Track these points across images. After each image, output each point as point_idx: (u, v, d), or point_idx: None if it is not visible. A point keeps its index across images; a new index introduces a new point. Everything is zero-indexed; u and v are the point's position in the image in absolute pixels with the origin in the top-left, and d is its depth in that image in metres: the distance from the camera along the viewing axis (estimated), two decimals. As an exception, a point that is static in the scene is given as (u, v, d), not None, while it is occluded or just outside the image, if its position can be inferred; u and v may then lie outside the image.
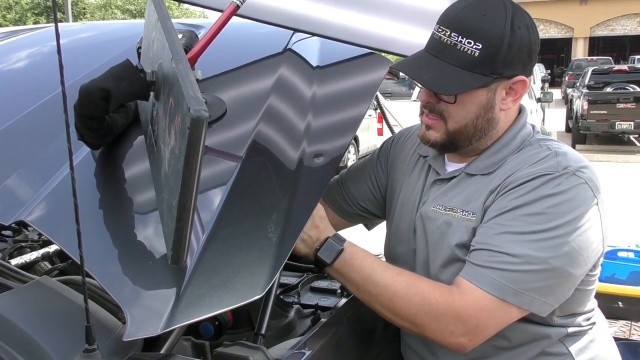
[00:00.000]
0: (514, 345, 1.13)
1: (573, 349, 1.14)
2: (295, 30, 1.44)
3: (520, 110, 1.20)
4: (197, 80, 1.10)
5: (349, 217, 1.41)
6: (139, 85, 1.02)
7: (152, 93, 1.03)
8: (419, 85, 1.15)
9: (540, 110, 12.13)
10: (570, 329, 1.14)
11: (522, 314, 1.04)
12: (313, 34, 1.43)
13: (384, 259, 1.27)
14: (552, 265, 1.01)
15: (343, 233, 1.18)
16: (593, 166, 1.11)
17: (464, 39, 1.05)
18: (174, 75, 0.85)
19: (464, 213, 1.12)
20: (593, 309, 1.19)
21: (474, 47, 1.04)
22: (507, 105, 1.13)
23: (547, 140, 1.15)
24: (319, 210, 1.14)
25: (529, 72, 1.11)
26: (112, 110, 1.04)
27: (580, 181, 1.05)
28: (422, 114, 1.17)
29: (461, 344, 1.04)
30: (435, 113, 1.13)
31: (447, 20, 1.08)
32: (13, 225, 1.74)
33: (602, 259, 1.13)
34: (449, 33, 1.06)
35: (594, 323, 1.18)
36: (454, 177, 1.18)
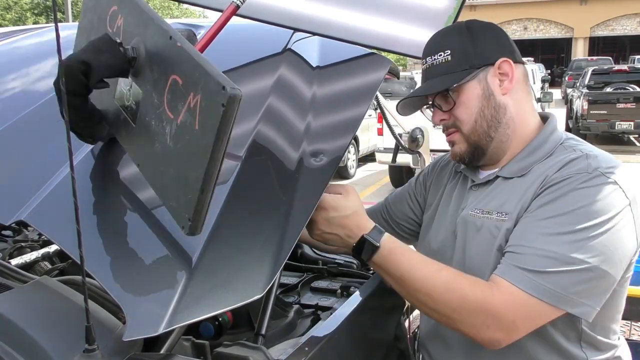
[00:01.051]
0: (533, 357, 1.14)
1: None
2: (295, 30, 1.44)
3: (549, 116, 1.25)
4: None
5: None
6: (120, 60, 0.99)
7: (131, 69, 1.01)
8: (425, 115, 1.31)
9: (540, 110, 12.12)
10: (599, 354, 1.15)
11: (558, 313, 1.05)
12: (313, 34, 1.43)
13: None
14: (589, 265, 1.02)
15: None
16: (624, 167, 1.12)
17: (435, 54, 1.20)
18: (177, 53, 0.86)
19: (498, 214, 1.15)
20: (618, 322, 1.20)
21: (445, 56, 1.19)
22: (506, 88, 1.18)
23: (580, 144, 1.18)
24: (355, 206, 1.14)
25: (508, 53, 1.19)
26: (92, 85, 0.99)
27: (610, 181, 1.07)
28: (446, 137, 1.25)
29: (497, 338, 1.05)
30: (451, 127, 1.22)
31: (423, 54, 1.24)
32: (13, 225, 1.74)
33: (635, 258, 1.14)
34: (424, 61, 1.23)
35: (618, 339, 1.20)
36: (490, 181, 1.22)
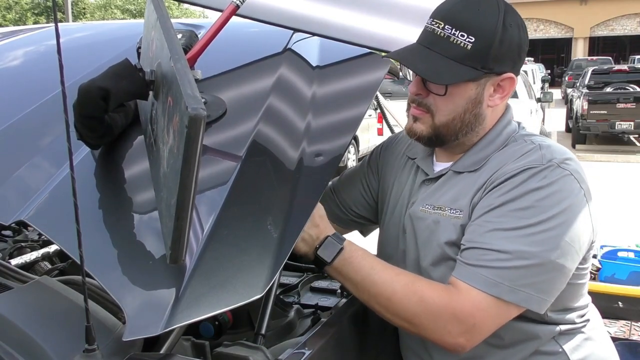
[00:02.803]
0: (508, 344, 1.13)
1: (567, 347, 1.14)
2: (295, 30, 1.44)
3: (507, 107, 1.21)
4: (197, 80, 1.10)
5: (344, 224, 1.42)
6: (138, 85, 1.02)
7: (151, 92, 1.03)
8: (409, 77, 1.18)
9: (540, 110, 12.12)
10: (564, 327, 1.14)
11: (519, 311, 1.05)
12: (313, 34, 1.43)
13: None
14: (545, 258, 1.01)
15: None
16: (577, 158, 1.12)
17: (457, 31, 1.06)
18: (172, 74, 0.85)
19: (452, 211, 1.12)
20: (586, 305, 1.20)
21: (467, 40, 1.06)
22: (494, 102, 1.14)
23: (532, 135, 1.17)
24: (319, 209, 1.14)
25: (517, 71, 1.14)
26: (111, 110, 1.04)
27: (565, 173, 1.05)
28: (409, 108, 1.18)
29: (459, 343, 1.04)
30: (423, 106, 1.14)
31: (441, 13, 1.09)
32: (13, 225, 1.74)
33: (591, 252, 1.14)
34: (442, 25, 1.08)
35: (587, 320, 1.18)
36: (442, 175, 1.19)
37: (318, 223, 1.12)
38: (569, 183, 1.05)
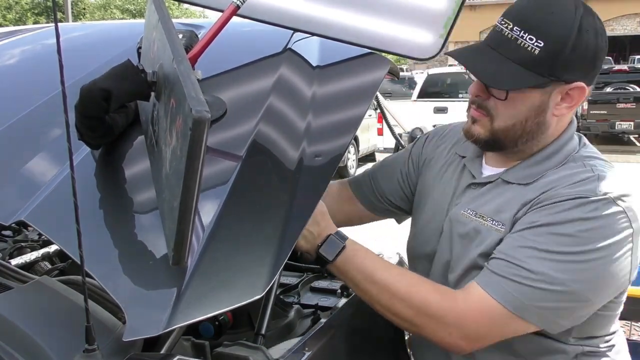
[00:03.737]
0: (524, 356, 1.10)
1: None
2: (295, 30, 1.44)
3: (571, 120, 1.14)
4: (198, 80, 1.10)
5: (379, 212, 1.40)
6: (140, 86, 1.02)
7: (153, 94, 1.03)
8: (472, 77, 1.11)
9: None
10: (587, 348, 1.11)
11: (530, 329, 1.02)
12: (313, 34, 1.43)
13: (386, 259, 1.27)
14: (571, 288, 0.98)
15: (348, 231, 1.17)
16: (633, 194, 1.04)
17: (526, 34, 1.00)
18: (175, 75, 0.84)
19: (493, 222, 1.08)
20: (614, 332, 1.16)
21: (535, 44, 1.00)
22: (560, 112, 1.07)
23: (592, 157, 1.10)
24: (321, 207, 1.13)
25: (590, 80, 1.06)
26: (112, 111, 1.04)
27: (618, 209, 1.00)
28: (469, 108, 1.14)
29: (459, 345, 1.03)
30: (483, 109, 1.09)
31: (512, 13, 1.04)
32: (13, 225, 1.74)
33: (627, 290, 1.09)
34: (511, 26, 1.02)
35: (612, 346, 1.15)
36: (490, 182, 1.14)
37: (319, 221, 1.11)
38: (618, 221, 1.00)
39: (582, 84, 1.05)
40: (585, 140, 1.15)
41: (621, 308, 1.13)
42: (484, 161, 1.20)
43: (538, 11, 1.02)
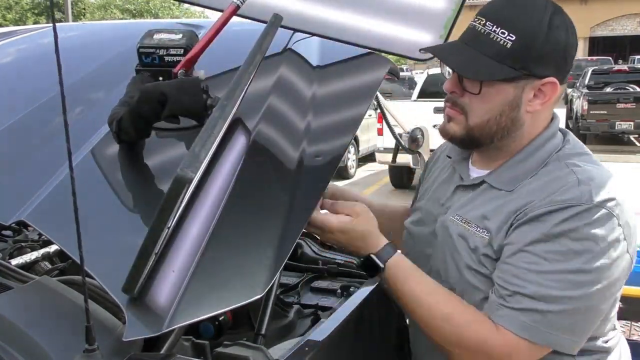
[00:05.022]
0: None
1: None
2: (295, 30, 1.44)
3: (553, 117, 1.15)
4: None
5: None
6: (197, 104, 1.03)
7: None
8: (446, 74, 1.14)
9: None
10: (586, 348, 1.11)
11: (548, 351, 1.04)
12: (313, 34, 1.43)
13: None
14: (580, 303, 1.00)
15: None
16: (619, 186, 1.05)
17: (498, 28, 1.03)
18: (212, 116, 0.85)
19: (478, 229, 1.09)
20: (613, 330, 1.17)
21: (507, 37, 1.02)
22: (534, 108, 1.08)
23: (575, 156, 1.10)
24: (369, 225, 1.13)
25: (562, 76, 1.07)
26: (163, 118, 1.04)
27: (605, 212, 1.00)
28: (444, 108, 1.15)
29: None
30: (457, 106, 1.11)
31: (485, 10, 1.07)
32: (13, 225, 1.74)
33: (629, 287, 1.13)
34: (484, 22, 1.05)
35: (611, 345, 1.16)
36: (477, 186, 1.15)
37: (352, 244, 1.12)
38: (608, 224, 1.00)
39: (554, 79, 1.06)
40: (570, 136, 1.15)
41: (617, 305, 1.14)
42: (470, 163, 1.22)
43: (510, 7, 1.05)
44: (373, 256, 1.10)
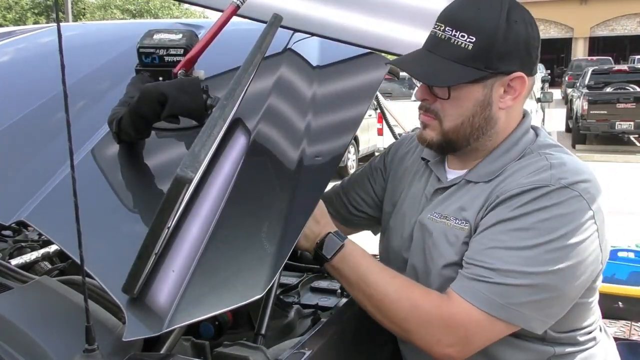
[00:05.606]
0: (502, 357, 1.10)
1: None
2: (295, 30, 1.44)
3: (525, 114, 1.17)
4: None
5: (352, 225, 1.41)
6: (197, 104, 1.03)
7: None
8: (417, 83, 1.16)
9: (540, 111, 12.12)
10: (568, 349, 1.11)
11: (512, 329, 1.02)
12: (313, 34, 1.43)
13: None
14: (541, 280, 0.99)
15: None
16: (594, 176, 1.05)
17: (458, 32, 1.04)
18: (212, 116, 0.85)
19: (456, 221, 1.10)
20: (593, 323, 1.16)
21: (468, 40, 1.04)
22: (506, 104, 1.09)
23: (549, 146, 1.12)
24: (321, 206, 1.13)
25: (528, 69, 1.08)
26: (163, 118, 1.04)
27: (574, 194, 1.01)
28: (419, 115, 1.16)
29: (448, 354, 1.03)
30: (430, 112, 1.12)
31: (443, 16, 1.08)
32: (13, 225, 1.74)
33: (601, 274, 1.09)
34: (443, 28, 1.07)
35: (594, 338, 1.15)
36: (454, 184, 1.16)
37: (319, 219, 1.12)
38: (576, 205, 1.00)
39: (521, 74, 1.07)
40: (541, 131, 1.17)
41: (597, 295, 1.13)
42: (446, 165, 1.21)
43: (466, 10, 1.06)
44: (332, 234, 1.10)
